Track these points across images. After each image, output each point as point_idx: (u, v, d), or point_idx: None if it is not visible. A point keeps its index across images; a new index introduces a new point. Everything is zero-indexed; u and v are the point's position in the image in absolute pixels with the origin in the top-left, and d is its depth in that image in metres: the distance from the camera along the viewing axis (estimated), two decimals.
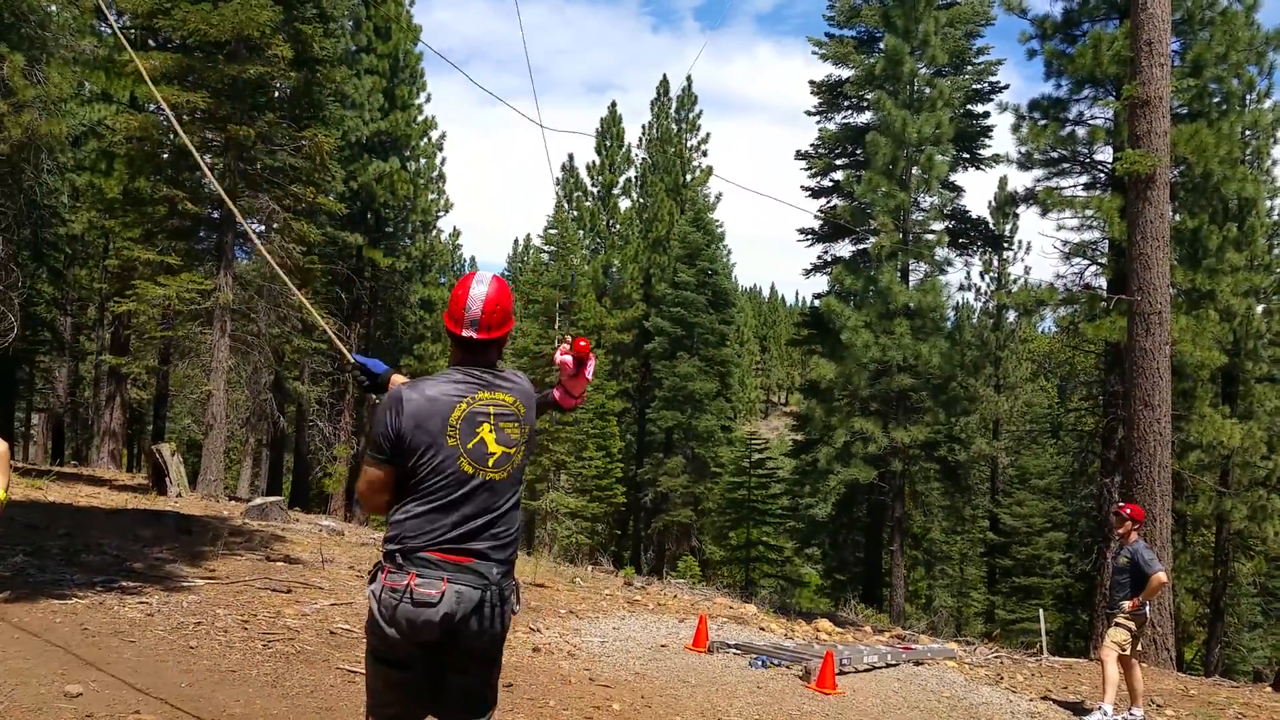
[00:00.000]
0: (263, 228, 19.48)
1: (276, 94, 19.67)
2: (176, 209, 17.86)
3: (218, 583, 7.93)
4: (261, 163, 18.64)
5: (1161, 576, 7.71)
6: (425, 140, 30.33)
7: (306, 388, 24.70)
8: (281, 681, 5.54)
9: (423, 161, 30.24)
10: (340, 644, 6.58)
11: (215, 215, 18.54)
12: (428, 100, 31.09)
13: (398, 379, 3.26)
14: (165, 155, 18.79)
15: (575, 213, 37.70)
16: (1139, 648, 8.04)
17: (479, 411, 2.92)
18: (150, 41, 19.12)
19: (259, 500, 14.49)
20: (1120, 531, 8.11)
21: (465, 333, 2.98)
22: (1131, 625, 7.75)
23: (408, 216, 30.21)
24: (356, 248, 27.38)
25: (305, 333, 21.16)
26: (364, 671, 3.05)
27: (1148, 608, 7.88)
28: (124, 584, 7.42)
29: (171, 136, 19.14)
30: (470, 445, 2.90)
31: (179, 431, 35.18)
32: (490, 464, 2.92)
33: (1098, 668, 8.48)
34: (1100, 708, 7.65)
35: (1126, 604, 7.73)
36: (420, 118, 29.72)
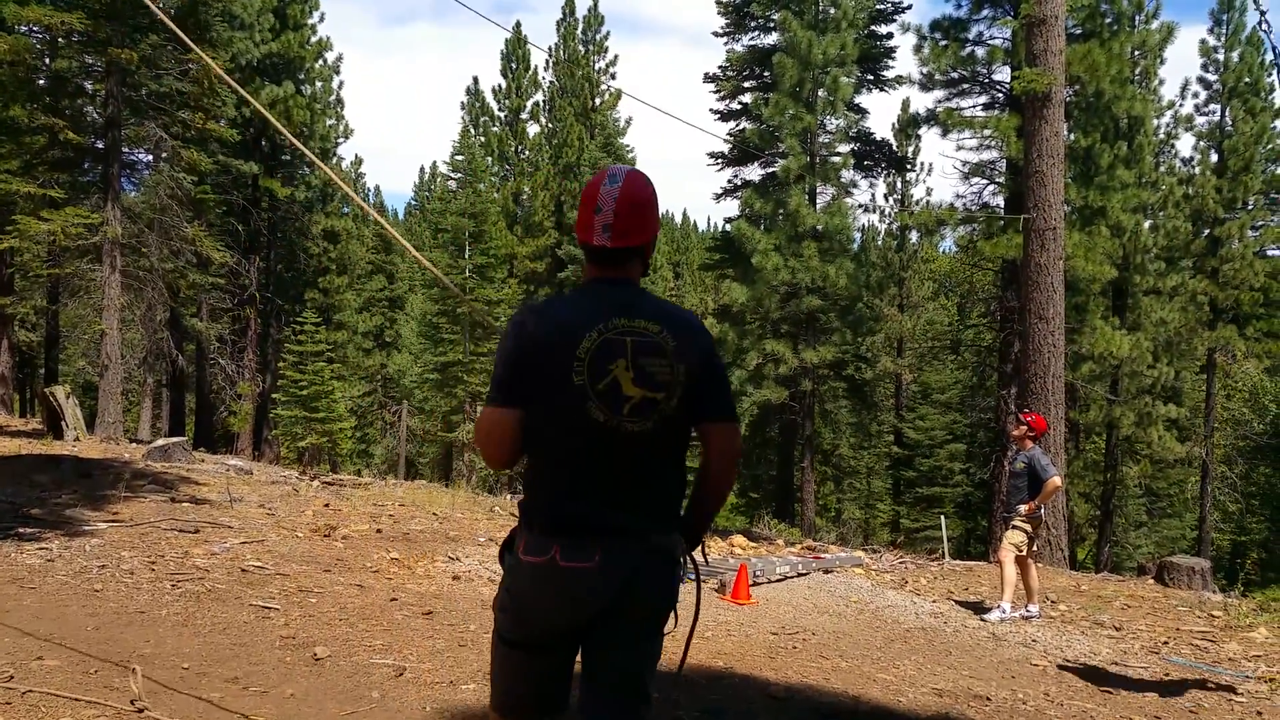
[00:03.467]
0: (150, 157, 18.55)
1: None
2: (57, 139, 16.85)
3: (122, 526, 7.71)
4: (147, 88, 17.67)
5: (1056, 481, 8.11)
6: (321, 62, 29.11)
7: (205, 325, 23.90)
8: (193, 620, 5.44)
9: (319, 85, 29.07)
10: (252, 581, 6.49)
11: (100, 145, 17.56)
12: (321, 20, 29.88)
13: None
14: (41, 81, 17.65)
15: (482, 139, 36.81)
16: (1035, 549, 8.48)
17: (613, 341, 2.36)
18: None
19: (161, 441, 14.03)
20: (1015, 435, 8.47)
21: (597, 240, 2.45)
22: (1028, 528, 8.15)
23: (305, 143, 29.05)
24: (252, 177, 26.32)
25: (200, 267, 20.37)
26: (490, 657, 2.54)
27: (1043, 511, 8.29)
28: (21, 531, 7.15)
29: (48, 60, 17.97)
30: (600, 387, 2.33)
31: (73, 374, 33.70)
32: (626, 411, 2.34)
33: (997, 569, 8.92)
34: (999, 606, 8.08)
35: (1023, 508, 8.11)
36: (314, 38, 28.50)
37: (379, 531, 9.05)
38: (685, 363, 2.38)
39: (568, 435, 2.35)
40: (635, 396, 2.34)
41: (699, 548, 2.61)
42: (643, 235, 2.48)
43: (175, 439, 14.58)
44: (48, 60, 18.06)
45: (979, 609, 8.43)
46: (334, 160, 31.10)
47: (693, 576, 2.51)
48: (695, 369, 2.40)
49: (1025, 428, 8.33)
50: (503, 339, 2.42)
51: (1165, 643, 7.59)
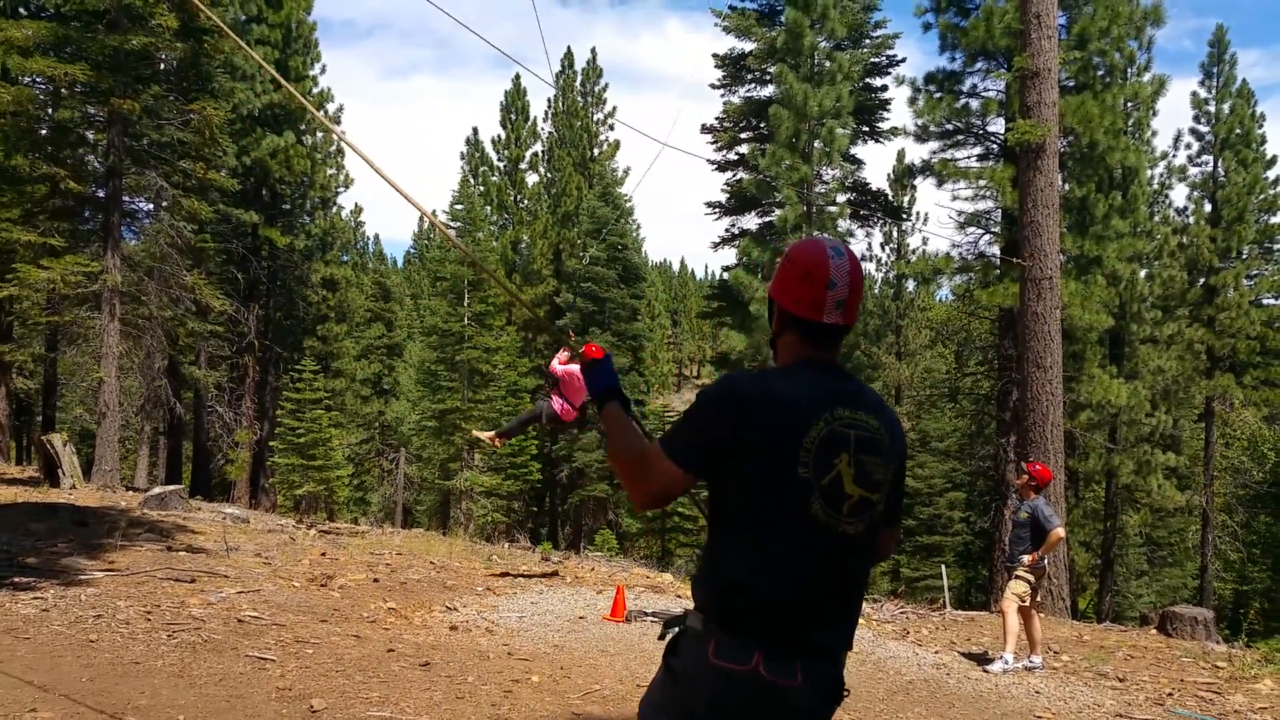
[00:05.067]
0: (151, 206, 18.71)
1: (162, 66, 18.88)
2: (58, 188, 17.02)
3: (117, 575, 7.64)
4: (148, 138, 17.87)
5: (1060, 532, 8.05)
6: (322, 113, 29.46)
7: (203, 372, 23.90)
8: (188, 671, 5.38)
9: (319, 135, 29.43)
10: (248, 631, 6.42)
11: (101, 194, 17.72)
12: (323, 71, 30.29)
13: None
14: (44, 131, 17.87)
15: (482, 188, 37.18)
16: (1037, 599, 8.39)
17: (838, 435, 2.13)
18: (21, 9, 18.08)
19: (158, 489, 13.96)
20: (1018, 484, 8.44)
21: (829, 318, 2.22)
22: (1030, 578, 8.08)
23: (305, 193, 29.39)
24: (252, 225, 26.51)
25: (199, 315, 20.43)
26: None
27: (1046, 561, 8.23)
28: (16, 580, 7.08)
29: (50, 111, 18.19)
30: (825, 482, 2.10)
31: (70, 421, 33.67)
32: (845, 511, 2.12)
33: (999, 619, 8.83)
34: (1002, 657, 7.98)
35: (1026, 558, 8.05)
36: (316, 90, 28.90)
37: (376, 581, 8.97)
38: (895, 463, 2.23)
39: (784, 531, 2.11)
40: (854, 496, 2.13)
41: None
42: (858, 312, 2.32)
43: (172, 487, 14.52)
44: (50, 110, 18.28)
45: (982, 660, 8.32)
46: (334, 209, 31.38)
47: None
48: (898, 472, 2.26)
49: (1027, 477, 8.30)
50: (715, 405, 2.14)
51: (1170, 694, 7.49)
